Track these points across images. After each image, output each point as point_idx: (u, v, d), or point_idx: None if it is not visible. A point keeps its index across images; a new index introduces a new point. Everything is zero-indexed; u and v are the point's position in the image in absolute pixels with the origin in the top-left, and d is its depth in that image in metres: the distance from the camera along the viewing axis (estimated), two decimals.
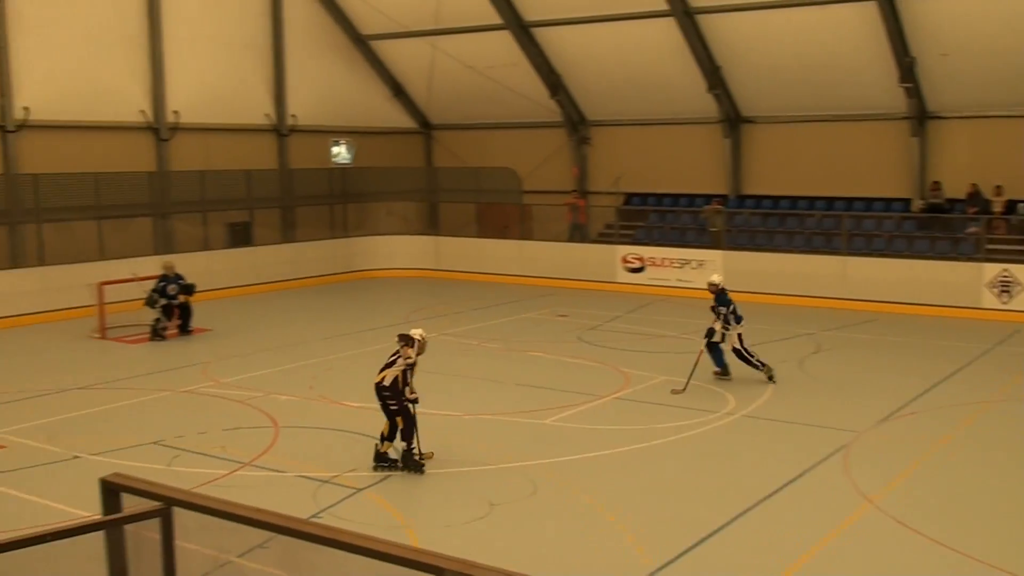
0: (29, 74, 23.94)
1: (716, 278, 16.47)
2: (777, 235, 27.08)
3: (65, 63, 24.65)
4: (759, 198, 28.71)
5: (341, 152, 31.85)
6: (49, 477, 11.82)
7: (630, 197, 30.78)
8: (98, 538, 4.15)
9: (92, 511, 9.72)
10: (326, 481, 11.48)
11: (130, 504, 4.23)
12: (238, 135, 28.94)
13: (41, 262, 23.38)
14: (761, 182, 28.83)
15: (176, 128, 27.07)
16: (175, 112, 27.00)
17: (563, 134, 31.59)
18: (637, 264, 26.78)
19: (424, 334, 12.21)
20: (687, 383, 15.58)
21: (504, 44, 29.20)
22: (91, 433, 13.54)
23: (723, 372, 16.22)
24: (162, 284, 20.49)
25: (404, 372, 11.80)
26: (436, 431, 13.46)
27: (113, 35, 25.72)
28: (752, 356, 15.94)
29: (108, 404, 15.21)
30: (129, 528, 4.22)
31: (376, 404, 11.95)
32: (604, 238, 29.14)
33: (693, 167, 29.60)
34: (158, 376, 17.05)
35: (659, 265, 26.42)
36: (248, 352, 18.94)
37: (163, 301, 20.34)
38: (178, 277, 20.66)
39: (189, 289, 20.73)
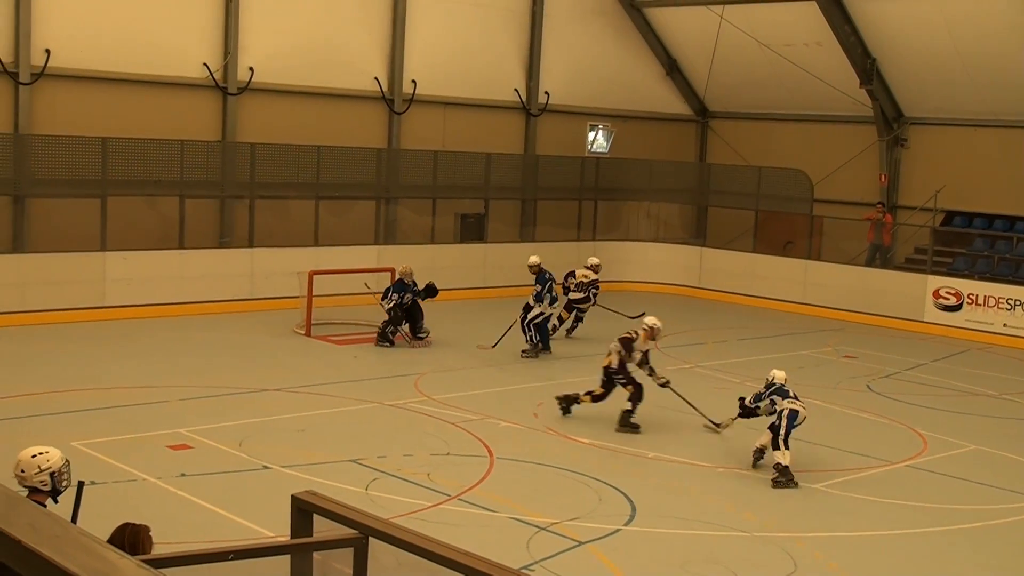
0: (256, 32, 25.58)
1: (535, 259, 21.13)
2: None
3: (296, 21, 26.21)
4: None
5: (597, 139, 32.11)
6: (235, 487, 12.66)
7: (951, 216, 29.59)
8: (283, 562, 4.44)
9: (277, 530, 10.41)
10: (544, 528, 11.72)
11: (321, 528, 4.51)
12: (480, 112, 29.80)
13: (250, 243, 24.96)
14: None
15: (412, 100, 28.23)
16: (413, 82, 28.16)
17: (871, 132, 30.73)
18: (953, 301, 25.74)
19: (657, 322, 16.15)
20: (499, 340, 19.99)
21: (809, 18, 28.71)
22: (285, 443, 14.38)
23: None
24: (402, 292, 21.22)
25: (625, 351, 15.73)
26: (680, 480, 13.48)
27: None
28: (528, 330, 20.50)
29: (306, 411, 16.10)
30: (317, 555, 4.51)
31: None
32: (913, 265, 28.14)
33: None
34: (364, 384, 17.87)
35: (981, 304, 25.30)
36: (468, 366, 19.56)
37: (391, 302, 20.94)
38: (415, 285, 21.31)
39: (431, 290, 21.34)
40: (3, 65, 22.33)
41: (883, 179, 30.53)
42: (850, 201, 30.01)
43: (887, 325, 26.02)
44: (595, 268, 22.91)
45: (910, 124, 30.39)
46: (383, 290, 21.27)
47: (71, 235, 22.69)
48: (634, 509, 12.49)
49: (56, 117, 23.02)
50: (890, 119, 30.27)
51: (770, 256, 29.11)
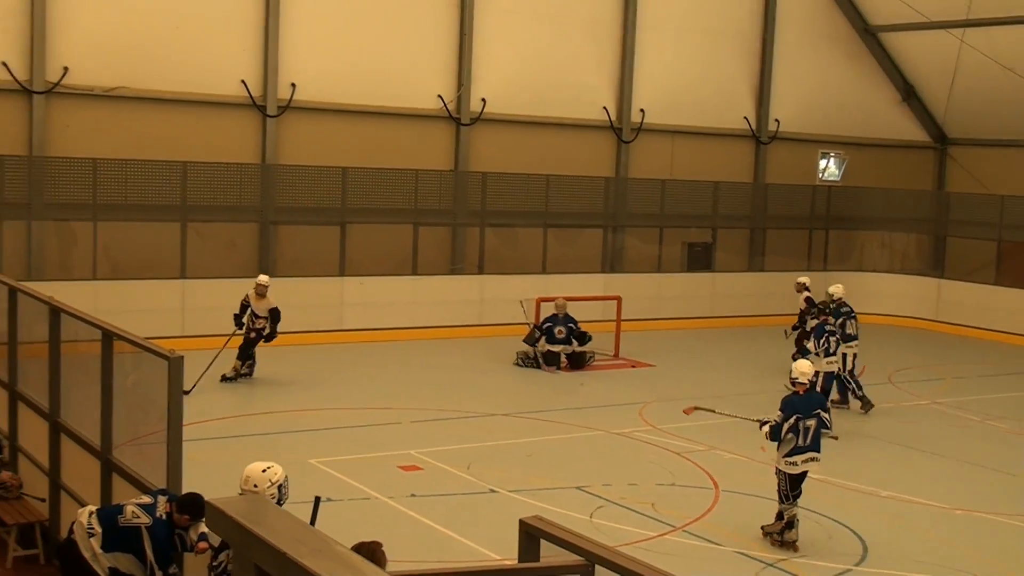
0: (489, 64, 26.18)
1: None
2: None
3: (527, 52, 26.67)
4: None
5: (829, 167, 31.52)
6: (462, 508, 12.91)
7: None
8: None
9: (504, 553, 10.55)
10: (770, 564, 11.52)
11: (547, 553, 4.57)
12: (708, 140, 29.63)
13: (480, 270, 25.51)
14: None
15: (640, 129, 28.30)
16: (641, 111, 28.23)
17: None
18: None
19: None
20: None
21: None
22: (512, 467, 14.58)
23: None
24: (547, 324, 21.39)
25: None
26: (915, 520, 13.02)
27: (581, 21, 27.42)
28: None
29: (533, 437, 16.29)
30: None
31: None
32: None
33: None
34: (590, 412, 17.95)
35: None
36: (693, 396, 19.31)
37: (547, 347, 21.16)
38: (568, 319, 21.43)
39: (583, 338, 21.43)
40: (252, 98, 23.53)
41: None
42: None
43: None
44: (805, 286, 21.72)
45: None
46: (531, 328, 21.62)
47: (312, 261, 23.67)
48: (866, 549, 12.12)
49: (299, 148, 24.08)
50: None
51: (1014, 289, 27.80)
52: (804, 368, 12.44)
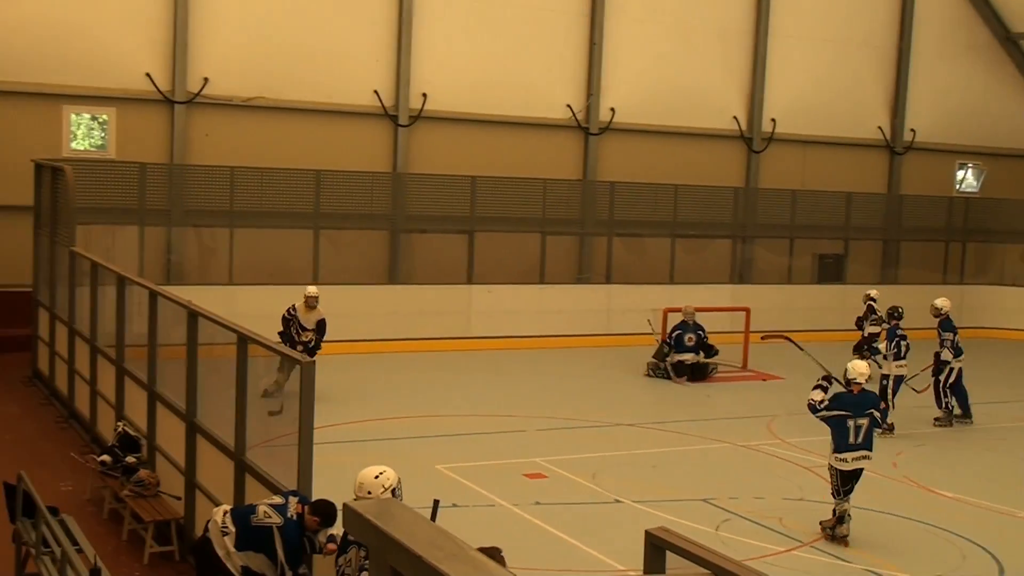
0: (618, 74, 26.20)
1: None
2: None
3: (655, 60, 26.61)
4: None
5: (967, 178, 30.79)
6: (587, 518, 12.88)
7: None
8: None
9: (628, 564, 10.52)
10: None
11: (673, 565, 4.54)
12: (840, 150, 29.19)
13: (607, 279, 25.49)
14: None
15: (770, 139, 27.98)
16: (772, 120, 27.93)
17: None
18: None
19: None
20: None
21: None
22: (636, 478, 14.52)
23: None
24: (677, 332, 21.18)
25: None
26: None
27: (711, 30, 27.27)
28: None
29: (658, 447, 16.20)
30: None
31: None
32: None
33: None
34: (717, 424, 17.79)
35: None
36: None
37: (676, 357, 20.99)
38: (698, 326, 21.24)
39: (709, 350, 21.20)
40: (384, 108, 23.89)
41: None
42: None
43: None
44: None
45: None
46: (659, 342, 21.52)
47: (440, 268, 23.92)
48: (1002, 571, 11.77)
49: (430, 157, 24.39)
50: None
51: None
52: (861, 368, 12.65)
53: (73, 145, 22.08)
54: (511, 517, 12.68)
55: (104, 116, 22.27)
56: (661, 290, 24.64)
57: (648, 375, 21.28)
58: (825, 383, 12.79)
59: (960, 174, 30.79)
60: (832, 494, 12.37)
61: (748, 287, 26.41)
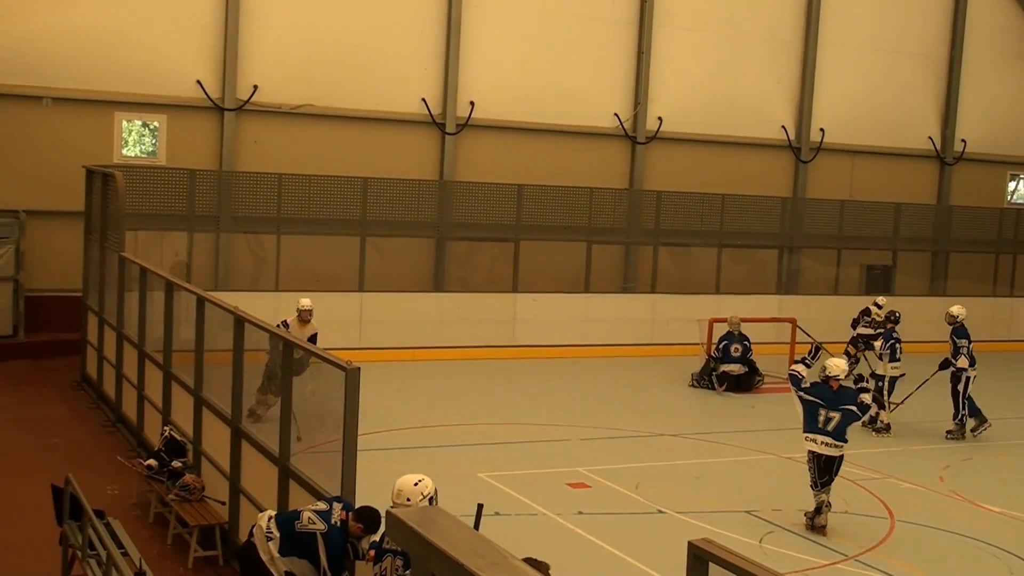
0: (666, 82, 26.16)
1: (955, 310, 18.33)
2: None
3: (703, 69, 26.55)
4: None
5: (1019, 189, 30.48)
6: (630, 528, 12.85)
7: None
8: None
9: (669, 575, 10.45)
10: None
11: None
12: (889, 160, 28.98)
13: (652, 289, 25.41)
14: None
15: (819, 148, 27.83)
16: (821, 130, 27.77)
17: None
18: None
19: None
20: None
21: None
22: (680, 488, 14.46)
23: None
24: (723, 343, 21.09)
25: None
26: None
27: (760, 39, 27.16)
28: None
29: (702, 458, 16.13)
30: None
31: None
32: None
33: None
34: (761, 435, 17.68)
35: None
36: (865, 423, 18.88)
37: (722, 368, 20.89)
38: (743, 337, 21.13)
39: (752, 365, 21.07)
40: (432, 116, 23.99)
41: None
42: None
43: None
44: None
45: None
46: (710, 348, 21.45)
47: (486, 276, 23.97)
48: None
49: (476, 165, 24.45)
50: None
51: None
52: (842, 365, 13.19)
53: (124, 151, 22.37)
54: (553, 526, 12.67)
55: (155, 123, 22.55)
56: (707, 300, 24.56)
57: (692, 385, 21.22)
58: (809, 360, 13.86)
59: (1012, 185, 30.48)
60: (811, 485, 12.84)
61: (795, 298, 26.24)
